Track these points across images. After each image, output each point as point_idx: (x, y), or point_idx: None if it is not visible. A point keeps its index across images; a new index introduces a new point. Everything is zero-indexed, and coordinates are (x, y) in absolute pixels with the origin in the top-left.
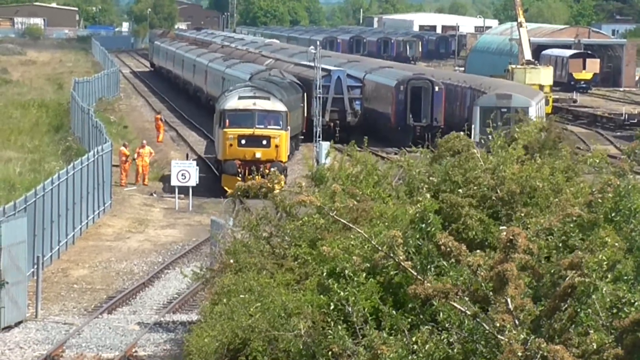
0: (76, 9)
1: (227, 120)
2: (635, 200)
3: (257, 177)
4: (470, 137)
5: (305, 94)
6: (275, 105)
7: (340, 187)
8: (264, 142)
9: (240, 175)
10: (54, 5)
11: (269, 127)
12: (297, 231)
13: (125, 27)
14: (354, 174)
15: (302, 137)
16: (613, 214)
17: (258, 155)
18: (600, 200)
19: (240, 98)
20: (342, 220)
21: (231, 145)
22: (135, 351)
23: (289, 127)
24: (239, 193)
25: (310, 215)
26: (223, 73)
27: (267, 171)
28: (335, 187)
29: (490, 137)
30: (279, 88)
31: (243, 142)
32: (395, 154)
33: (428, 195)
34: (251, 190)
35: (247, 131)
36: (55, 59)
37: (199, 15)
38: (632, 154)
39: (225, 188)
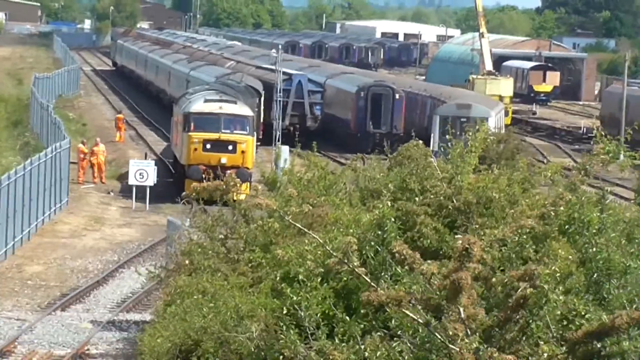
0: (38, 4)
1: (192, 124)
2: (589, 214)
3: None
4: (428, 146)
5: (261, 99)
6: (242, 109)
7: (295, 192)
8: (230, 147)
9: (204, 181)
10: None
11: (235, 132)
12: (250, 235)
13: (87, 24)
14: (306, 178)
15: (259, 142)
16: (567, 227)
17: (223, 160)
18: (552, 213)
19: (206, 101)
20: (298, 225)
21: (196, 149)
22: (88, 349)
23: (255, 133)
24: (193, 195)
25: (265, 219)
26: (187, 75)
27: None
28: (291, 192)
29: (449, 145)
30: (236, 92)
31: (208, 146)
32: (354, 160)
33: (389, 203)
34: (204, 194)
35: (213, 136)
36: (15, 54)
37: (161, 15)
38: (584, 169)
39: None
